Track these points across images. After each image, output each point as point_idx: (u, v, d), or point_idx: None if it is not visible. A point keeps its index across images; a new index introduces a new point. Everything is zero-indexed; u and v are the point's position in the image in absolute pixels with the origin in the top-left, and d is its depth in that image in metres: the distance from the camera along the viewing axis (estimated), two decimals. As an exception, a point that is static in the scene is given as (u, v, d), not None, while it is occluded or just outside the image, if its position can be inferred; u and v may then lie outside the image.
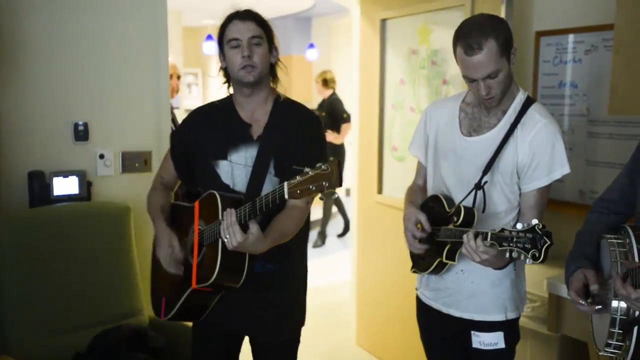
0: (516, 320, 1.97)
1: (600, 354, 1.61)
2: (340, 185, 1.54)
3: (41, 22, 2.60)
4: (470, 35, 1.73)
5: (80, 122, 2.71)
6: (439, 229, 1.89)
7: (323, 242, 6.81)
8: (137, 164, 2.86)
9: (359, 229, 3.92)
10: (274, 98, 2.00)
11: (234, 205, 1.76)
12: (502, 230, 1.57)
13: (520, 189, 1.87)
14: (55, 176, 2.62)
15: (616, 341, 1.54)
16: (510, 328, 1.94)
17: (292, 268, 2.04)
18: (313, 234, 6.67)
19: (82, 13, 2.69)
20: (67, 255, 2.45)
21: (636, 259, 1.49)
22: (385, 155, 3.61)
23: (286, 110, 1.99)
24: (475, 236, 1.64)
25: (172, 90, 3.67)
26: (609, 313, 1.56)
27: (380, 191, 3.66)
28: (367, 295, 3.83)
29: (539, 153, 1.82)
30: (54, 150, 2.67)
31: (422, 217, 1.92)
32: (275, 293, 2.00)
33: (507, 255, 1.56)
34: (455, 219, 1.83)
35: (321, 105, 6.68)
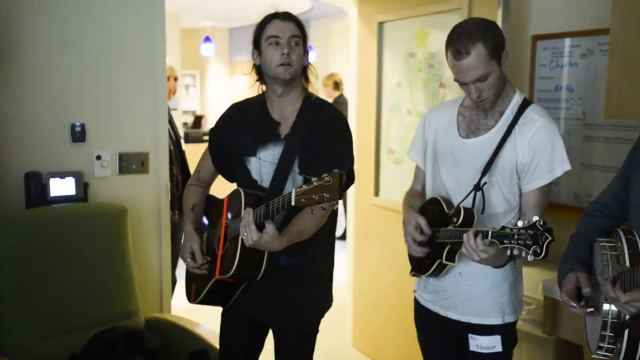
0: (514, 324, 1.97)
1: (592, 356, 1.61)
2: (340, 198, 1.57)
3: (39, 23, 2.60)
4: (458, 40, 1.76)
5: (77, 123, 2.71)
6: (438, 230, 1.90)
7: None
8: (134, 165, 2.86)
9: (356, 231, 3.92)
10: (304, 97, 2.05)
11: (256, 203, 1.84)
12: (503, 228, 1.58)
13: (520, 189, 1.88)
14: (52, 177, 2.61)
15: (607, 344, 1.54)
16: (507, 331, 1.94)
17: (315, 263, 2.09)
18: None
19: (80, 14, 2.69)
20: (64, 256, 2.45)
21: (627, 263, 1.50)
22: (382, 157, 3.62)
23: (313, 110, 2.04)
24: (475, 235, 1.65)
25: (169, 92, 3.67)
26: (601, 316, 1.57)
27: (377, 194, 3.66)
28: (363, 297, 3.83)
29: (539, 152, 1.83)
30: (50, 151, 2.66)
31: (422, 221, 1.92)
32: (296, 287, 2.06)
33: (508, 253, 1.57)
34: (455, 219, 1.83)
35: None
